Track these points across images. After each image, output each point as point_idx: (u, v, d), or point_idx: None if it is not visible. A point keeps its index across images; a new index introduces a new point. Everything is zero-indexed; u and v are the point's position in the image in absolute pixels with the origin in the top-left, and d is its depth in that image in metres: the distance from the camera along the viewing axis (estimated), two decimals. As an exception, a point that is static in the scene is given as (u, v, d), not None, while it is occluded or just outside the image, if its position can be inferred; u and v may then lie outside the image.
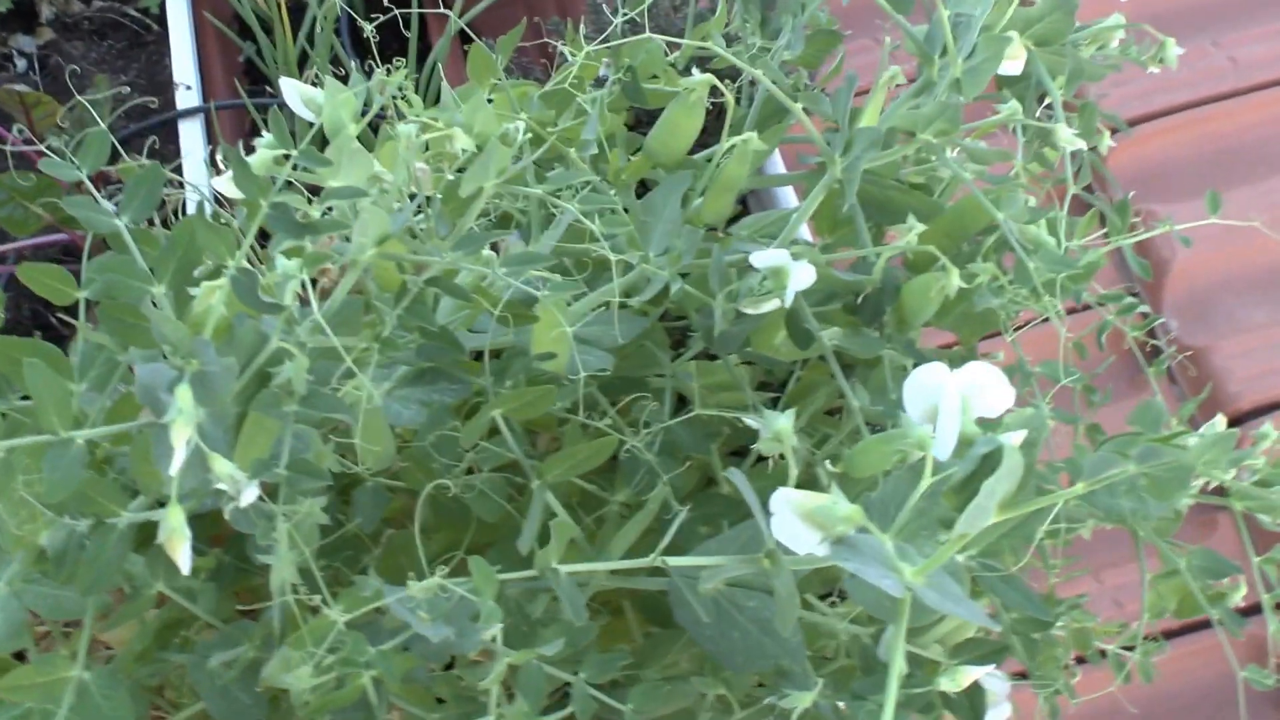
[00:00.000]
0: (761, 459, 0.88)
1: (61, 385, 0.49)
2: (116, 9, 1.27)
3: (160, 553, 0.66)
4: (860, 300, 0.68)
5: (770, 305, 0.63)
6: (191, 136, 1.09)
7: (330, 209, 0.53)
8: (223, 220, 0.64)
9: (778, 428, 0.49)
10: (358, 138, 0.55)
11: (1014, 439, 0.40)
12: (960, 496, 0.40)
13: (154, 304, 0.55)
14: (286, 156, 0.50)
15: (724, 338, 0.65)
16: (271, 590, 0.54)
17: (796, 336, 0.67)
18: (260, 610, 0.68)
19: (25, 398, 0.72)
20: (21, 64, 1.21)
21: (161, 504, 0.66)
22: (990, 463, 0.39)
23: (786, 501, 0.44)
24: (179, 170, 1.07)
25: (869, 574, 0.40)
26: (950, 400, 0.43)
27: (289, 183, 0.51)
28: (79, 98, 0.83)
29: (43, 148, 0.62)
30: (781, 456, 0.53)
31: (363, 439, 0.60)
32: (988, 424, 0.44)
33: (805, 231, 1.13)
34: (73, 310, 0.65)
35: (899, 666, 0.40)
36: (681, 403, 0.83)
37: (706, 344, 0.69)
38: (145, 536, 0.67)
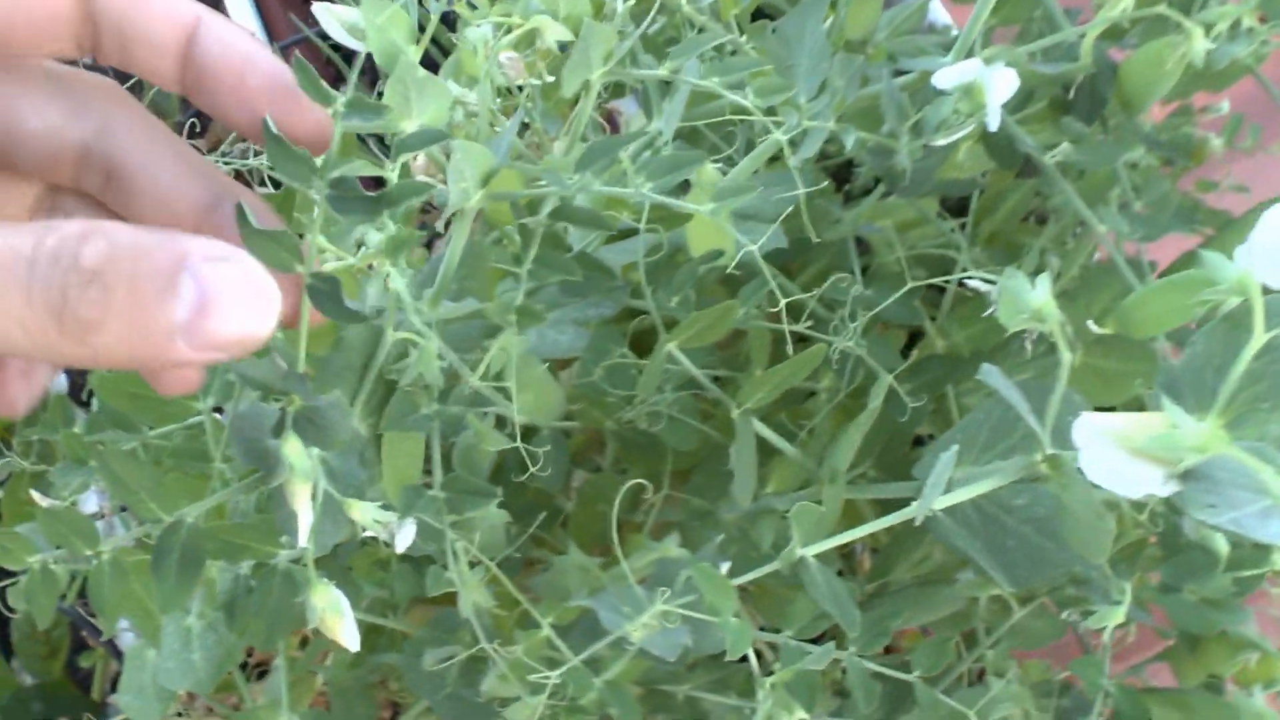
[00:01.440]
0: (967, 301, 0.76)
1: (144, 469, 0.41)
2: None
3: (347, 578, 0.60)
4: (1072, 93, 0.55)
5: (966, 130, 0.51)
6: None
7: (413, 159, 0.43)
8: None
9: (1037, 306, 0.37)
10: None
11: None
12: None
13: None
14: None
15: (915, 179, 0.53)
16: (462, 613, 0.46)
17: (1000, 156, 0.55)
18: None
19: (153, 427, 0.66)
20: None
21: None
22: None
23: (1100, 433, 0.32)
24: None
25: (1247, 524, 0.28)
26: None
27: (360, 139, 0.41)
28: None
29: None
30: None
31: (528, 403, 0.51)
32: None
33: (940, 11, 0.98)
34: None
35: None
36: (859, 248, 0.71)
37: (889, 187, 0.58)
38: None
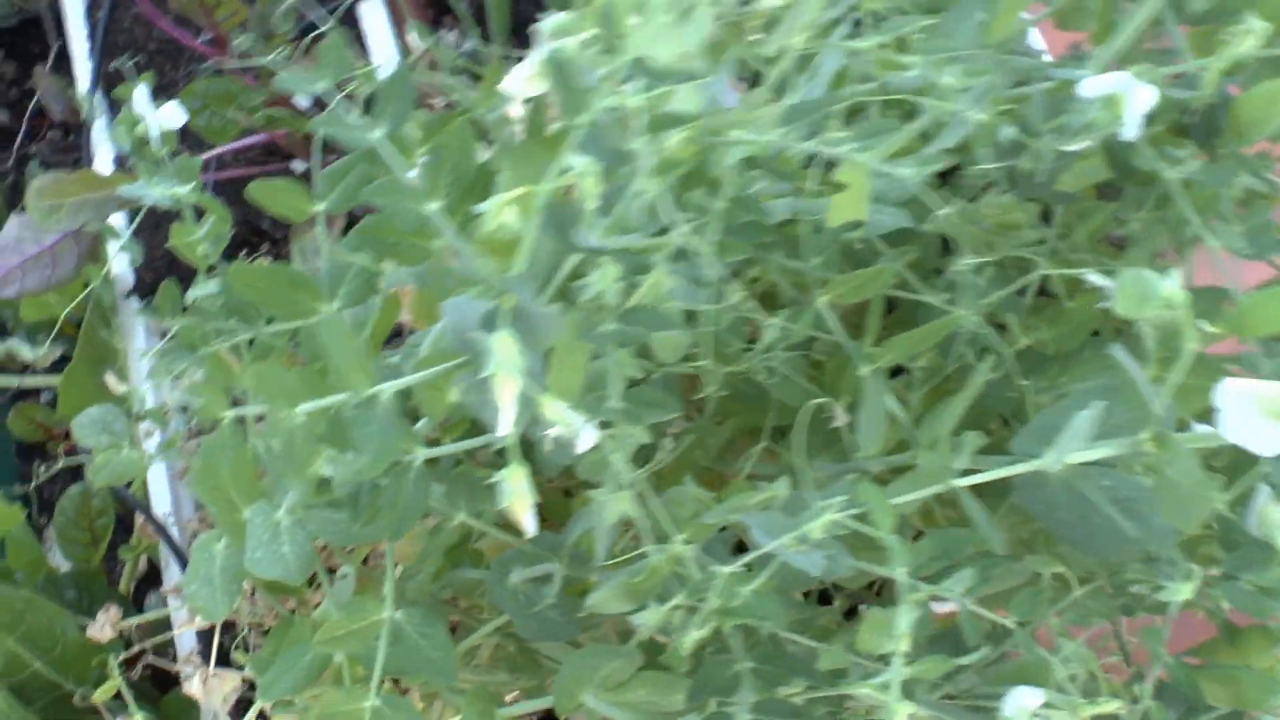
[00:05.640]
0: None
1: (354, 340, 0.44)
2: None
3: (461, 480, 0.63)
4: (1193, 118, 0.58)
5: (1095, 138, 0.54)
6: (373, 16, 1.02)
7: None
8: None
9: (1168, 294, 0.41)
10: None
11: None
12: None
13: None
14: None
15: (1041, 180, 0.57)
16: (604, 525, 0.50)
17: (1119, 167, 0.59)
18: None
19: (271, 321, 0.69)
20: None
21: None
22: None
23: (1244, 395, 0.36)
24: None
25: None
26: None
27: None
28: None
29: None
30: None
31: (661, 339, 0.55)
32: None
33: (1036, 37, 1.00)
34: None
35: None
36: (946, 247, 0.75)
37: (1009, 185, 0.61)
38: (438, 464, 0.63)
